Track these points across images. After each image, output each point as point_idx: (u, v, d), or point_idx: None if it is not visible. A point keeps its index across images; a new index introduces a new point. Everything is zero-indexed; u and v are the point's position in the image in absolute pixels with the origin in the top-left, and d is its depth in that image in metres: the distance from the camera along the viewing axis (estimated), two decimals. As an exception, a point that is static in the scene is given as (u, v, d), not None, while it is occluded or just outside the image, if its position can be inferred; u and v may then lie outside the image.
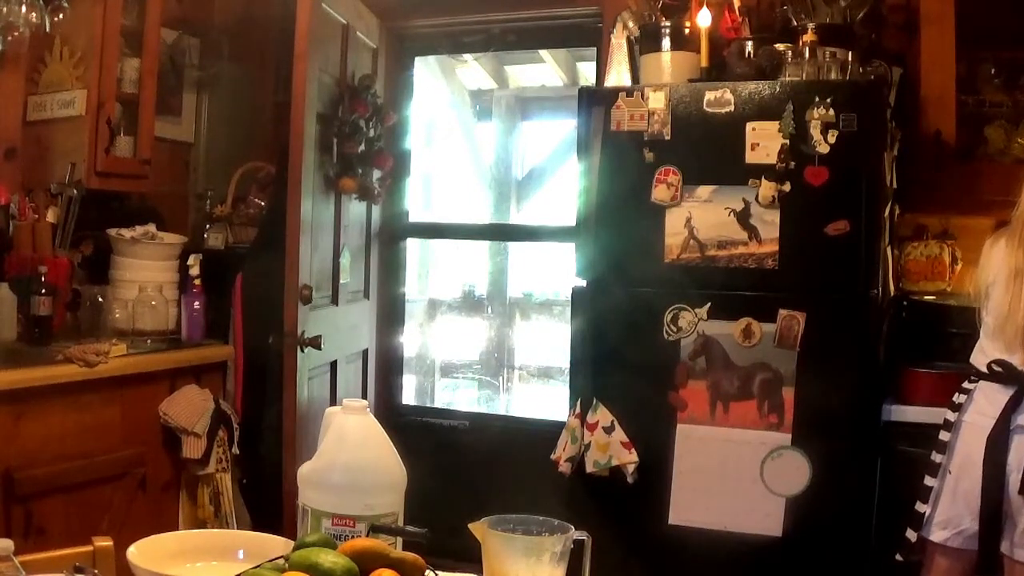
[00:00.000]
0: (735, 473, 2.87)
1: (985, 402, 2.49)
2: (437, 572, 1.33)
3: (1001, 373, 2.48)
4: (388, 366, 4.45)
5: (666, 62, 3.21)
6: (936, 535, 2.53)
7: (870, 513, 2.80)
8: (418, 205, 4.99)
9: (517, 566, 1.30)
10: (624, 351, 3.02)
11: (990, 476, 2.42)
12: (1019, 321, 2.43)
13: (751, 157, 2.89)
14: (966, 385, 2.57)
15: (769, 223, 2.87)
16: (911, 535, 2.57)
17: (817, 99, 2.82)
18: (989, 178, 3.10)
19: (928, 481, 2.56)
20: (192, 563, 1.48)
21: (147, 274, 3.49)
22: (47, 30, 3.31)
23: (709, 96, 2.94)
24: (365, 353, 4.23)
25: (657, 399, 2.97)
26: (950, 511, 2.51)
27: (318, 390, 3.65)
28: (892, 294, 3.19)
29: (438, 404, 5.75)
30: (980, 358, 2.55)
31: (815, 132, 2.81)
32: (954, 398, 2.57)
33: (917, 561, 2.60)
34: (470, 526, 1.34)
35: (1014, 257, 2.47)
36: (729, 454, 2.89)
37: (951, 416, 2.56)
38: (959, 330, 2.90)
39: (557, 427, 3.18)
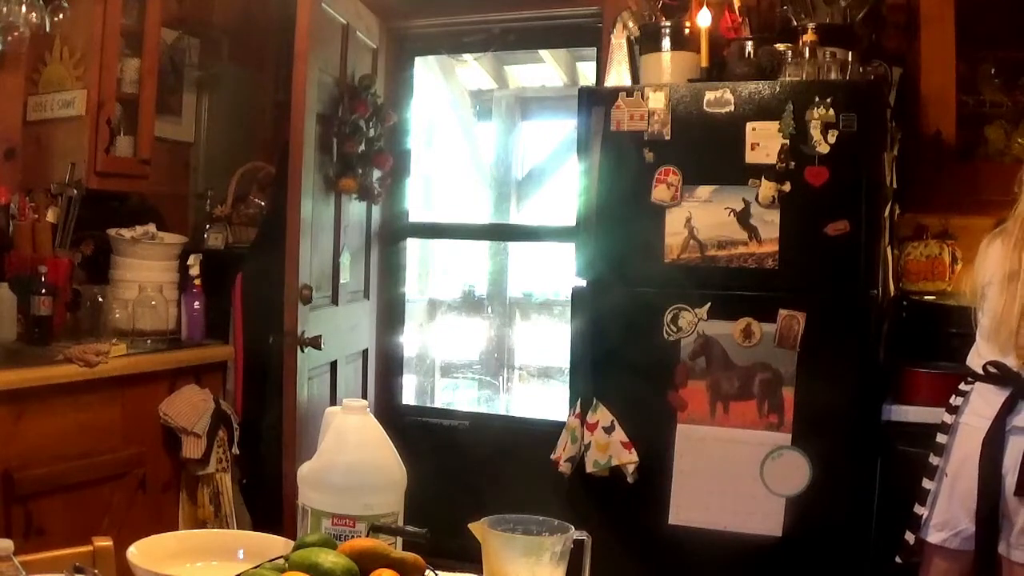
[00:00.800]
0: (735, 473, 2.88)
1: (981, 404, 2.49)
2: (437, 572, 1.33)
3: (997, 375, 2.47)
4: (388, 366, 4.45)
5: (666, 62, 3.21)
6: (933, 537, 2.53)
7: (870, 513, 2.80)
8: (418, 205, 4.99)
9: (517, 566, 1.30)
10: (624, 351, 3.02)
11: (986, 478, 2.42)
12: (1014, 323, 2.42)
13: (751, 157, 2.89)
14: (962, 387, 2.56)
15: (769, 223, 2.87)
16: (909, 537, 2.57)
17: (817, 99, 2.82)
18: (989, 178, 3.10)
19: (926, 483, 2.55)
20: (192, 563, 1.48)
21: (147, 274, 3.49)
22: (47, 30, 3.31)
23: (709, 96, 2.94)
24: (365, 353, 4.23)
25: (657, 399, 2.97)
26: (947, 513, 2.51)
27: (318, 390, 3.65)
28: (892, 294, 3.19)
29: (438, 404, 5.76)
30: (976, 360, 2.55)
31: (815, 132, 2.81)
32: (951, 400, 2.57)
33: (916, 563, 2.60)
34: (470, 526, 1.34)
35: (1009, 259, 2.46)
36: (729, 454, 2.89)
37: (948, 418, 2.55)
38: (959, 330, 2.89)
39: (557, 427, 3.18)
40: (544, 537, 1.32)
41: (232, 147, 4.18)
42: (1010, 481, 2.39)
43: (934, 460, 2.55)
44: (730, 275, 2.91)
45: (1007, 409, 2.42)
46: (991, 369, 2.48)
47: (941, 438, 2.55)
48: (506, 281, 6.20)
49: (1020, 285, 2.42)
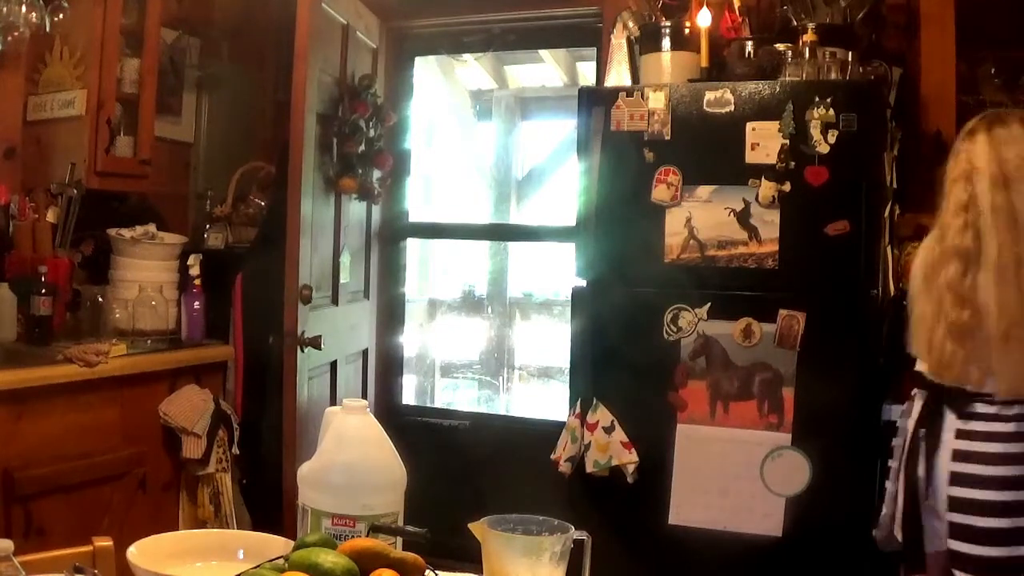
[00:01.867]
0: (735, 473, 2.88)
1: (914, 409, 2.48)
2: (437, 572, 1.33)
3: (918, 382, 2.45)
4: (388, 366, 4.45)
5: (666, 62, 3.21)
6: (898, 534, 2.52)
7: (870, 513, 2.80)
8: (418, 205, 4.99)
9: (517, 566, 1.30)
10: (624, 351, 3.02)
11: (907, 482, 2.41)
12: (926, 330, 2.36)
13: (751, 157, 2.89)
14: (913, 392, 2.55)
15: (769, 223, 2.87)
16: (875, 533, 2.57)
17: (817, 99, 2.82)
18: (989, 178, 3.09)
19: (888, 485, 2.55)
20: (192, 563, 1.48)
21: (147, 274, 3.49)
22: (47, 30, 3.31)
23: (709, 96, 2.94)
24: (365, 353, 4.23)
25: (657, 399, 2.97)
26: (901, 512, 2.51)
27: (318, 390, 3.65)
28: (892, 294, 3.18)
29: (438, 404, 5.76)
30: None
31: (815, 132, 2.81)
32: (904, 404, 2.57)
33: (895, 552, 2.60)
34: (470, 526, 1.34)
35: (927, 261, 2.39)
36: (729, 454, 2.89)
37: (900, 422, 2.55)
38: (959, 330, 2.89)
39: (557, 427, 3.18)
40: (544, 537, 1.32)
41: (232, 147, 4.18)
42: (921, 486, 2.37)
43: (891, 463, 2.55)
44: (730, 275, 2.91)
45: (922, 418, 2.40)
46: (913, 375, 2.45)
47: (896, 441, 2.54)
48: (506, 281, 6.21)
49: (935, 288, 2.35)
